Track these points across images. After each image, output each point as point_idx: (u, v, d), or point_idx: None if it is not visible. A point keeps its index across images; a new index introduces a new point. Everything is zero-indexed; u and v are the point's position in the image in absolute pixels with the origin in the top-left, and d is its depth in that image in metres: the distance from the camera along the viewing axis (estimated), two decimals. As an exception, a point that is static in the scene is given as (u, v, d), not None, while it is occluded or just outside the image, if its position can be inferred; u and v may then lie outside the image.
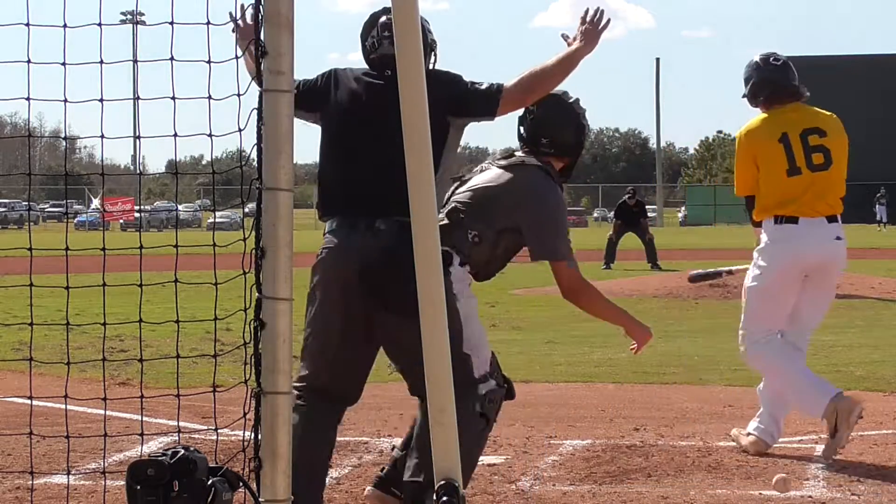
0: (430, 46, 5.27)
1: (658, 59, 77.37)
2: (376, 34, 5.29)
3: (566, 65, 5.24)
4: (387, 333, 5.11)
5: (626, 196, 28.71)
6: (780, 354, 7.00)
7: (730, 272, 8.65)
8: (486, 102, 5.20)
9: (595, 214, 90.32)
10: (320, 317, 5.13)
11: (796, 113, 7.03)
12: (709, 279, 8.67)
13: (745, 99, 7.16)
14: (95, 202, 72.30)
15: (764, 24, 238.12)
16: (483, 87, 5.21)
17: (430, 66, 5.26)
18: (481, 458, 6.40)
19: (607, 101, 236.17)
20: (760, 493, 6.02)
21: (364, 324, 5.10)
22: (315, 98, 5.25)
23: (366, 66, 5.35)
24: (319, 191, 5.27)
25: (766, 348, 7.02)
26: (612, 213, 31.56)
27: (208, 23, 3.76)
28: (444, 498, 4.29)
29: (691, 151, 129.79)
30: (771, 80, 7.02)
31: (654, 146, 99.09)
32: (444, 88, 5.10)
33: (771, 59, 7.07)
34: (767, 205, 6.97)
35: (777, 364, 7.01)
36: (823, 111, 7.16)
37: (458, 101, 5.18)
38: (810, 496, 5.93)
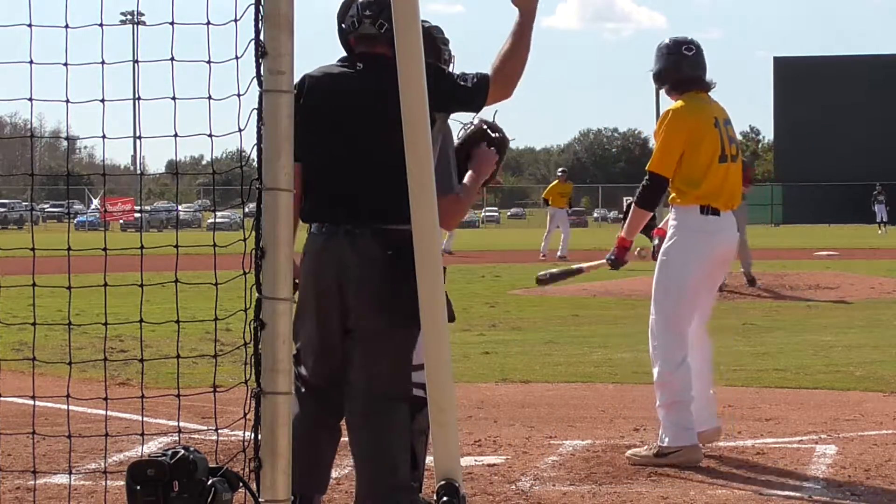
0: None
1: (658, 60, 77.01)
2: (356, 13, 5.05)
3: (522, 38, 5.02)
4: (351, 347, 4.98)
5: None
6: (688, 384, 6.77)
7: (580, 270, 8.08)
8: (474, 97, 5.03)
9: (595, 215, 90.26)
10: (308, 326, 5.04)
11: (713, 102, 6.98)
12: (560, 279, 7.91)
13: (655, 81, 7.01)
14: (95, 202, 72.27)
15: (769, 26, 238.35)
16: (470, 83, 5.00)
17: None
18: (482, 458, 6.40)
19: (607, 101, 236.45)
20: (760, 493, 6.02)
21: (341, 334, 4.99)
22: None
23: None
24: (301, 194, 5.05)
25: (682, 374, 6.78)
26: (622, 213, 31.22)
27: (208, 23, 3.77)
28: (445, 498, 4.29)
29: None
30: (682, 67, 6.87)
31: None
32: (429, 82, 4.74)
33: (684, 47, 6.89)
34: (691, 191, 6.84)
35: (683, 393, 6.76)
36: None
37: (445, 96, 4.95)
38: (810, 496, 5.93)
